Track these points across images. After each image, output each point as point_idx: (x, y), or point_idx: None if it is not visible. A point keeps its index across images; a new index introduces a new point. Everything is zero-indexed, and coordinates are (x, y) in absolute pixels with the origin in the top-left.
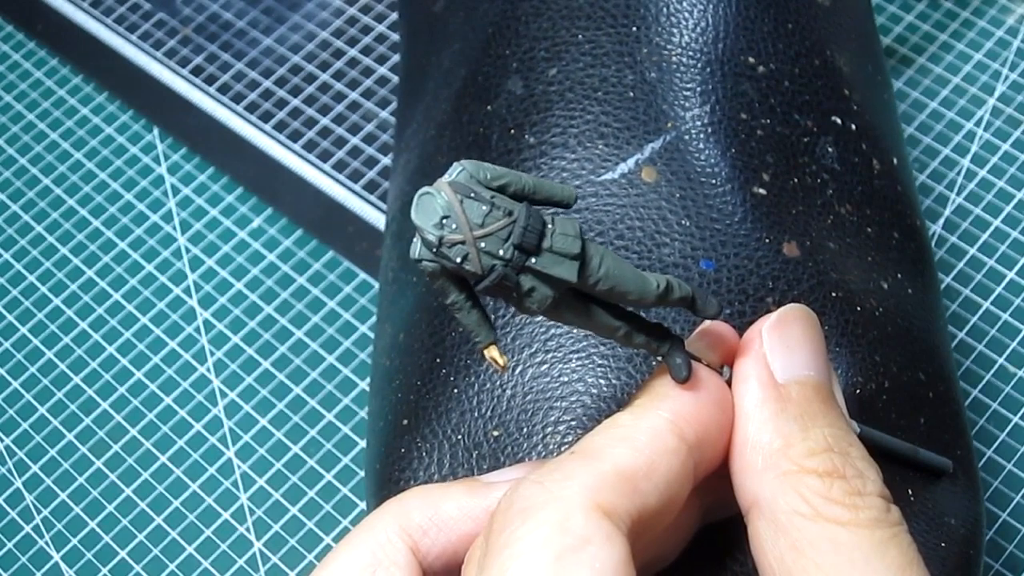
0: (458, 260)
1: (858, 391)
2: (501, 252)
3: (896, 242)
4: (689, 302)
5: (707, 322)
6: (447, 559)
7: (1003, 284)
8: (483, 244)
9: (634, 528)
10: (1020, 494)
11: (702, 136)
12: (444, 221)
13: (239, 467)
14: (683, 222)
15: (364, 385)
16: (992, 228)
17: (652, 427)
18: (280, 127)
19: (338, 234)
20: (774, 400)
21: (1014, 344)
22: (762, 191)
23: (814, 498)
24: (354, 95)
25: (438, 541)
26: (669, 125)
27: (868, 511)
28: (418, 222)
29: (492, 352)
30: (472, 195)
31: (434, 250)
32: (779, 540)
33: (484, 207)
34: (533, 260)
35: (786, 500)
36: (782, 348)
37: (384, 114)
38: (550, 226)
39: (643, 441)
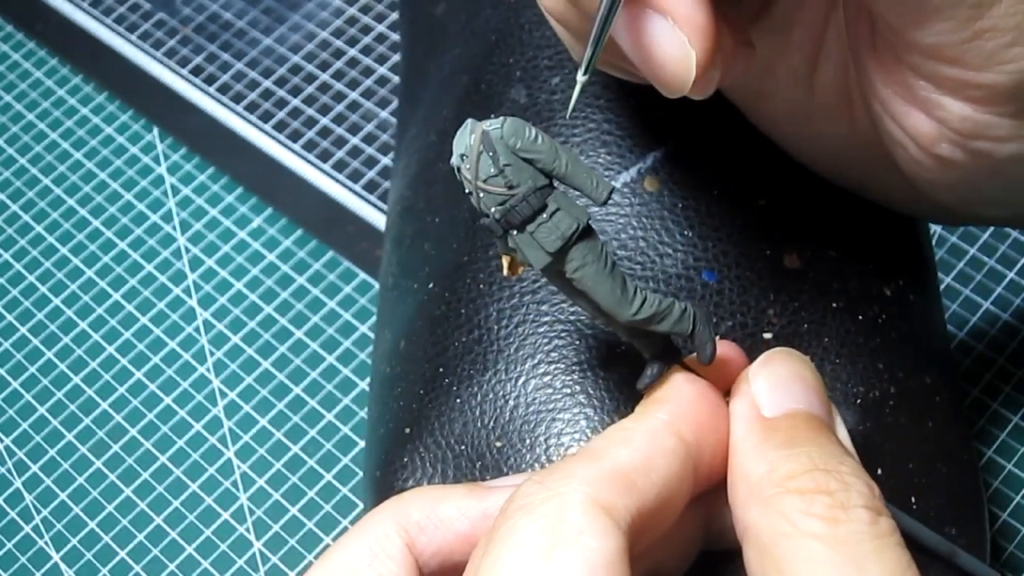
0: (467, 190)
1: (859, 400)
2: (493, 210)
3: (897, 248)
4: (686, 337)
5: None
6: (443, 558)
7: (1003, 284)
8: (482, 195)
9: (633, 526)
10: (1020, 494)
11: (704, 146)
12: (463, 157)
13: (239, 467)
14: (686, 232)
15: (364, 385)
16: (992, 228)
17: (650, 428)
18: (280, 127)
19: (338, 234)
20: (759, 431)
21: (1014, 344)
22: (762, 202)
23: (794, 515)
24: (354, 95)
25: (434, 539)
26: (672, 134)
27: (849, 524)
28: (455, 143)
29: (504, 260)
30: (491, 153)
31: (456, 168)
32: (764, 562)
33: (493, 169)
34: (514, 232)
35: (769, 522)
36: (769, 387)
37: (384, 114)
38: (544, 215)
39: (641, 440)
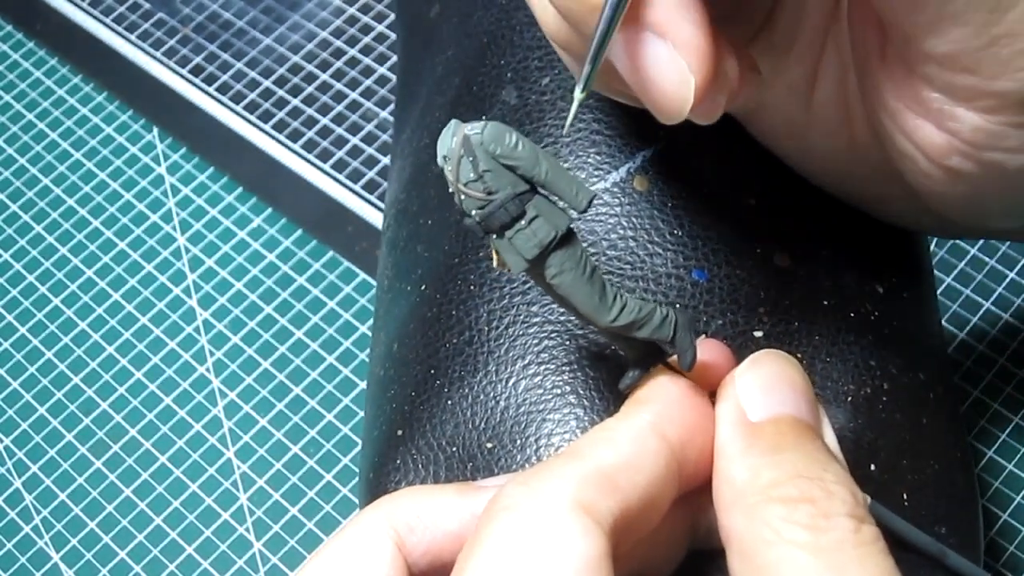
0: (450, 190)
1: (850, 398)
2: (473, 213)
3: (889, 246)
4: (667, 343)
5: (700, 343)
6: (432, 557)
7: (1003, 284)
8: (463, 197)
9: (616, 526)
10: (1020, 494)
11: (693, 145)
12: (445, 159)
13: (239, 467)
14: (675, 232)
15: (364, 385)
16: None
17: (634, 428)
18: (280, 127)
19: (338, 234)
20: (743, 437)
21: (1014, 344)
22: (752, 201)
23: (777, 523)
24: (354, 95)
25: (424, 539)
26: (661, 133)
27: (832, 533)
28: (439, 143)
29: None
30: (471, 158)
31: (441, 168)
32: (747, 569)
33: (473, 174)
34: (494, 236)
35: (752, 530)
36: (755, 390)
37: (384, 114)
38: (523, 222)
39: (624, 440)
